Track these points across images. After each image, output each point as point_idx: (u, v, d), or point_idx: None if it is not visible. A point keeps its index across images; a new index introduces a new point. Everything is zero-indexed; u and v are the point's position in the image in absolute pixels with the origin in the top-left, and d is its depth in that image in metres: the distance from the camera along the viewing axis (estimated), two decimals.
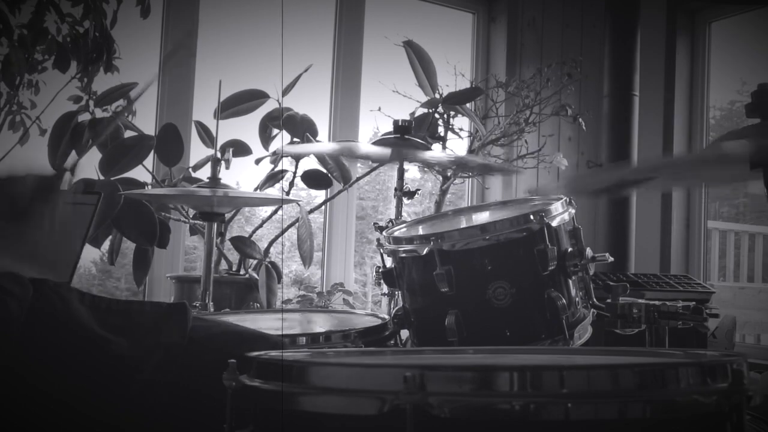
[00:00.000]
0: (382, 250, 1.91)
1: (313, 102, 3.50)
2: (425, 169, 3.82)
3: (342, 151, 2.70)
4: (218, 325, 1.53)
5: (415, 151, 2.33)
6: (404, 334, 1.88)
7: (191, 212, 2.88)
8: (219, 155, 2.20)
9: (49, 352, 1.06)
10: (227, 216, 2.82)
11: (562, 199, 1.82)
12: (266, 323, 1.86)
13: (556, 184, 1.75)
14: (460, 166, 2.86)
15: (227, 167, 2.19)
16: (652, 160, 1.38)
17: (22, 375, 1.03)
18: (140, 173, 2.78)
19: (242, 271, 2.92)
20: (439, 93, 3.29)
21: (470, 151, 3.52)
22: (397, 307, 1.88)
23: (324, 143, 3.26)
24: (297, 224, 2.98)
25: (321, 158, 2.97)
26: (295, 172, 2.97)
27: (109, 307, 1.16)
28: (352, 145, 2.95)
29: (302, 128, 2.96)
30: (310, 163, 2.98)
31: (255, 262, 2.87)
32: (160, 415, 1.07)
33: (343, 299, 3.30)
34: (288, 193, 3.00)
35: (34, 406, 1.03)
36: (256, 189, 2.94)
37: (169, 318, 1.17)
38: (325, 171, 2.99)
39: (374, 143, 2.49)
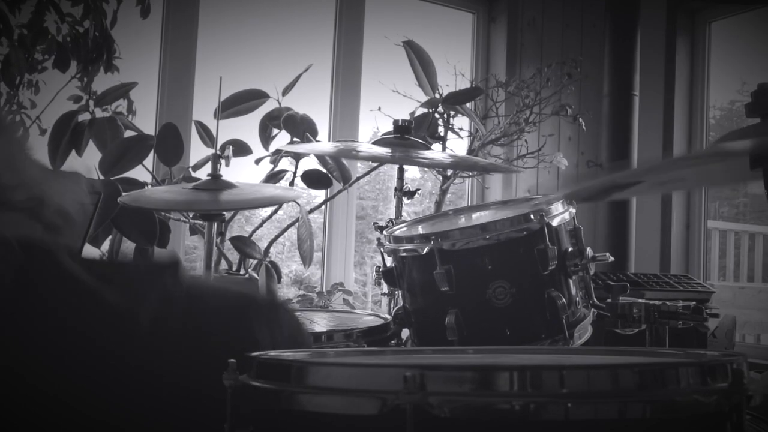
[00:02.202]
0: (382, 250, 1.91)
1: (313, 102, 3.50)
2: (425, 168, 3.83)
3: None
4: (216, 281, 1.52)
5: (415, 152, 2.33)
6: (404, 333, 1.88)
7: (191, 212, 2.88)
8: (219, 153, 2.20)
9: (42, 307, 1.04)
10: (227, 216, 2.82)
11: (562, 198, 1.82)
12: None
13: (556, 192, 1.75)
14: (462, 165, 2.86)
15: (227, 164, 2.19)
16: (651, 161, 1.37)
17: (13, 339, 1.01)
18: (140, 173, 2.78)
19: (242, 271, 2.91)
20: (439, 93, 3.28)
21: (470, 151, 3.52)
22: (397, 307, 1.88)
23: (324, 143, 3.26)
24: (297, 224, 2.98)
25: (321, 158, 2.96)
26: (295, 172, 2.97)
27: (101, 263, 1.14)
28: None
29: (302, 128, 2.96)
30: (310, 163, 2.98)
31: (255, 261, 2.87)
32: (161, 372, 1.05)
33: (343, 299, 3.30)
34: None
35: (30, 363, 1.01)
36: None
37: (164, 269, 1.16)
38: (325, 171, 2.99)
39: (374, 143, 2.49)
